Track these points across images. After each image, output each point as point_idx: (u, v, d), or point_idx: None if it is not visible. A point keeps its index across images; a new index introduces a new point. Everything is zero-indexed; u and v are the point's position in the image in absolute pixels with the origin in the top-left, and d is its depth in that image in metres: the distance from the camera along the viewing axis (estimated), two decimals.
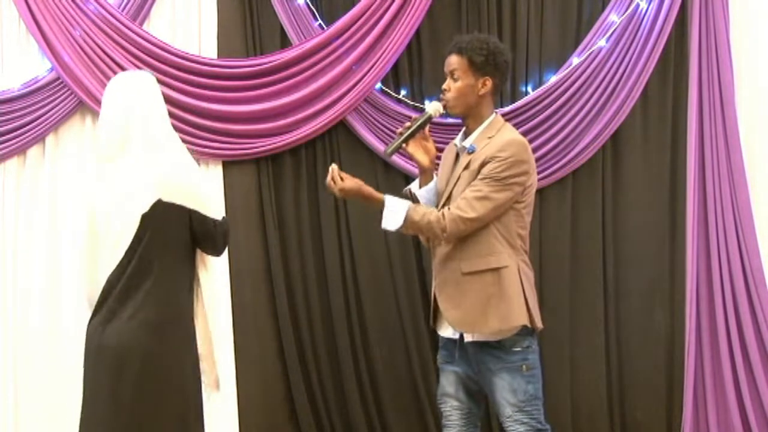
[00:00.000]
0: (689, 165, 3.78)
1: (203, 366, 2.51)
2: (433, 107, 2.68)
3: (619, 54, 3.72)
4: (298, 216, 3.84)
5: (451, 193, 2.66)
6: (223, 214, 2.47)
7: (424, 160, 2.67)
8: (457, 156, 2.72)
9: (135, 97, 2.49)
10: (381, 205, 2.57)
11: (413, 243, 3.81)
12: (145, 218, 2.40)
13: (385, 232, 3.87)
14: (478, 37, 2.70)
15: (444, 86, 2.68)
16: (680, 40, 3.80)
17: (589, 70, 3.72)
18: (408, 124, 2.66)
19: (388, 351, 3.83)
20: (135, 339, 2.37)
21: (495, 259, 2.64)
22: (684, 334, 3.81)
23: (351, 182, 2.61)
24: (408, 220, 2.55)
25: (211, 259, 2.53)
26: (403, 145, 2.68)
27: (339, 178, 2.59)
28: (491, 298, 2.60)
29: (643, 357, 3.85)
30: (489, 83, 2.67)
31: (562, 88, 3.72)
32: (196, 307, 2.47)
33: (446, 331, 2.72)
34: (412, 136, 2.64)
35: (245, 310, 3.81)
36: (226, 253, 3.70)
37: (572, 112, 3.73)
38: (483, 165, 2.59)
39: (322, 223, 3.83)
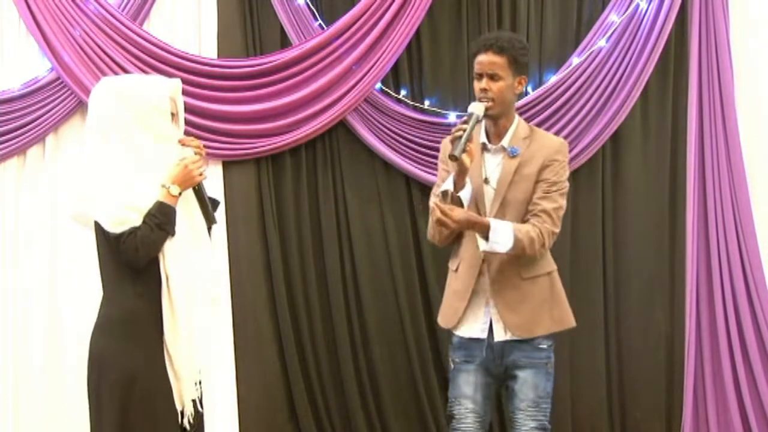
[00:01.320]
0: (689, 165, 3.79)
1: (173, 384, 2.34)
2: (479, 108, 2.56)
3: (619, 54, 3.71)
4: (298, 216, 3.84)
5: (504, 197, 2.62)
6: (130, 226, 2.28)
7: (467, 161, 2.56)
8: (482, 153, 2.68)
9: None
10: (486, 229, 2.52)
11: (413, 243, 3.82)
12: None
13: (385, 233, 3.89)
14: (513, 36, 2.67)
15: (483, 86, 2.58)
16: (680, 40, 3.80)
17: (589, 70, 3.72)
18: (461, 126, 2.52)
19: (388, 351, 3.83)
20: (89, 347, 2.38)
21: (546, 263, 2.71)
22: (684, 334, 3.81)
23: (460, 212, 2.52)
24: (516, 242, 2.53)
25: (173, 264, 2.35)
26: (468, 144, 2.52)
27: (449, 211, 2.48)
28: (545, 302, 2.67)
29: (643, 357, 3.85)
30: (524, 82, 2.66)
31: (562, 88, 3.72)
32: (166, 315, 2.33)
33: (470, 332, 2.68)
34: (470, 135, 2.52)
35: (245, 310, 3.81)
36: (225, 253, 3.74)
37: (572, 112, 3.73)
38: (543, 169, 2.60)
39: (322, 223, 3.83)
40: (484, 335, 2.66)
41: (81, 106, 3.73)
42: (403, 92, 3.81)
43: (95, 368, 2.35)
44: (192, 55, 3.74)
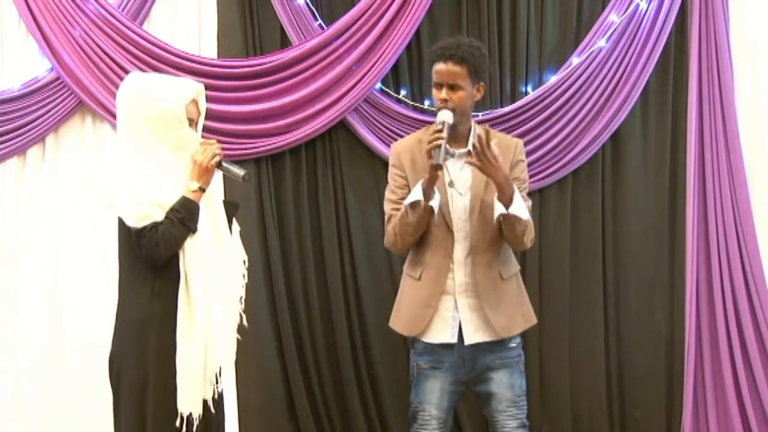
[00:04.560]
0: (689, 165, 3.79)
1: (181, 383, 2.31)
2: (448, 116, 2.53)
3: (619, 54, 3.71)
4: (298, 216, 3.84)
5: (482, 200, 2.62)
6: (152, 221, 2.28)
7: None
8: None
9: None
10: (512, 190, 2.52)
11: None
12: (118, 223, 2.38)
13: (384, 232, 3.89)
14: (470, 43, 2.61)
15: (443, 96, 2.56)
16: (680, 40, 3.80)
17: (589, 70, 3.72)
18: (437, 134, 2.46)
19: (388, 351, 3.83)
20: (110, 350, 2.40)
21: (514, 262, 2.76)
22: (684, 334, 3.81)
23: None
24: (527, 217, 2.56)
25: (193, 262, 2.34)
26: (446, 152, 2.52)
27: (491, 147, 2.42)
28: (516, 300, 2.70)
29: (643, 357, 3.85)
30: (482, 89, 2.64)
31: (562, 88, 3.72)
32: (182, 314, 2.32)
33: (440, 337, 2.67)
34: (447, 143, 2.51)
35: (245, 310, 3.79)
36: None
37: (572, 112, 3.73)
38: (512, 168, 2.63)
39: (322, 223, 3.83)
40: (454, 339, 2.66)
41: (81, 106, 3.74)
42: (403, 92, 3.81)
43: (114, 370, 2.35)
44: (192, 55, 3.74)
